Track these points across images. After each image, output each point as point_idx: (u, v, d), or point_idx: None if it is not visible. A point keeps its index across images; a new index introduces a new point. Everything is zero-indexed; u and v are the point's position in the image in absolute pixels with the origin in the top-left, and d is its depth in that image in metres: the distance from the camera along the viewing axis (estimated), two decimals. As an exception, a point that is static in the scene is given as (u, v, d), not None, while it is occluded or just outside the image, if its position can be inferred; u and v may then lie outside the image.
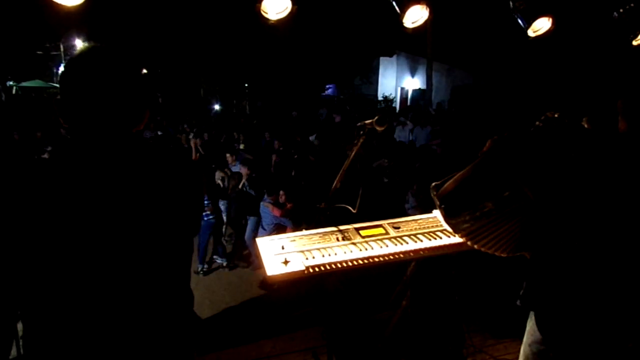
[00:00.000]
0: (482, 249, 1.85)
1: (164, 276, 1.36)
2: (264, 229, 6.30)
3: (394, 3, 3.74)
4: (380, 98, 21.93)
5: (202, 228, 6.53)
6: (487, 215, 1.71)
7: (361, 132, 2.49)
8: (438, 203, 1.84)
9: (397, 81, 22.88)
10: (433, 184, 1.90)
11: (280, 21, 3.37)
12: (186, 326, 1.47)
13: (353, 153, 2.52)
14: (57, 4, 3.04)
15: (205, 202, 6.41)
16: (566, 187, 1.64)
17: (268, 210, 6.27)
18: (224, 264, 6.87)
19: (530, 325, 1.89)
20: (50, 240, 1.17)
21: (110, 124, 1.27)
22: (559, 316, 1.72)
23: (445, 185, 1.82)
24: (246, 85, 22.61)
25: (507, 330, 3.46)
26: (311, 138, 10.81)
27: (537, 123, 2.13)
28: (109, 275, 1.23)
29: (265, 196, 6.44)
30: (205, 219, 6.46)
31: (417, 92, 21.94)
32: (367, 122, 2.48)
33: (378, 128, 2.42)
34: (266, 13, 3.27)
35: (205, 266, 6.74)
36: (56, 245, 1.17)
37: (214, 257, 6.96)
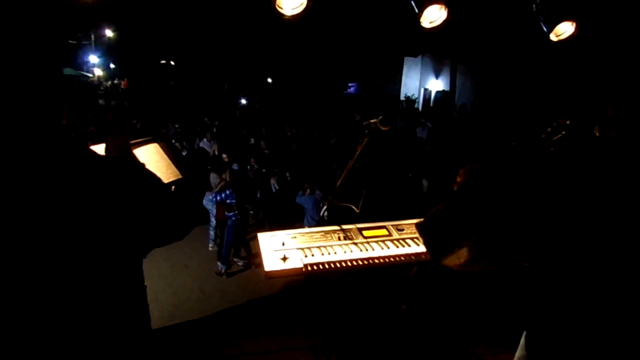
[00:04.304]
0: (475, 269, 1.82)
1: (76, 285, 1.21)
2: (314, 220, 6.34)
3: (412, 3, 3.70)
4: (402, 98, 21.74)
5: (227, 228, 6.51)
6: (473, 248, 1.67)
7: (366, 132, 2.47)
8: (423, 243, 1.82)
9: (421, 82, 22.64)
10: (416, 222, 1.86)
11: (295, 17, 3.36)
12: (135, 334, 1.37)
13: (358, 152, 2.50)
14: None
15: (233, 201, 6.39)
16: (561, 205, 1.59)
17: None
18: (240, 263, 6.82)
19: (523, 340, 1.85)
20: None
21: (15, 122, 1.16)
22: (549, 338, 1.67)
23: (427, 225, 1.78)
24: (269, 80, 22.75)
25: (511, 340, 3.39)
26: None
27: (548, 129, 2.08)
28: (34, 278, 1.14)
29: (318, 191, 6.49)
30: (233, 218, 6.45)
31: (441, 94, 21.69)
32: (372, 121, 2.45)
33: (382, 128, 2.39)
34: (281, 8, 3.27)
35: (225, 267, 6.57)
36: None
37: (235, 259, 6.83)
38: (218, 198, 6.41)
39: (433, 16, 3.67)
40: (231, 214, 6.40)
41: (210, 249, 7.28)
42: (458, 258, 1.68)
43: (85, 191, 1.18)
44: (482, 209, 1.63)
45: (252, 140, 10.58)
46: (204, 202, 7.10)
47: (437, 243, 1.73)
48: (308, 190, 6.63)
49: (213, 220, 7.16)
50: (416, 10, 3.67)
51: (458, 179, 1.78)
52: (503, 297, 3.74)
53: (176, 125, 12.19)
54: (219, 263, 6.62)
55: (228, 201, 6.36)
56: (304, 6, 3.30)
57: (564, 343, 1.62)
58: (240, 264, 6.81)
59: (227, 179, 6.48)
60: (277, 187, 8.37)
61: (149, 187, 1.34)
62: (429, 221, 1.80)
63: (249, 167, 8.48)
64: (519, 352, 1.85)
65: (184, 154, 8.50)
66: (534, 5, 3.99)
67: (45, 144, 1.18)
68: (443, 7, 3.60)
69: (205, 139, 9.93)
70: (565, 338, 1.62)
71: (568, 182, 1.61)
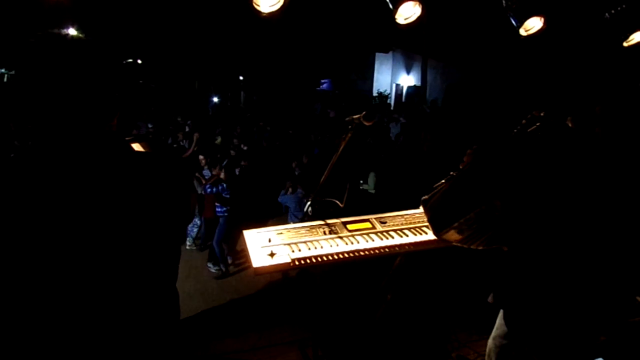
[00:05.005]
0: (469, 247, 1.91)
1: (142, 276, 1.30)
2: (297, 218, 6.33)
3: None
4: (375, 94, 21.92)
5: (219, 226, 6.30)
6: (471, 225, 1.77)
7: (349, 127, 2.51)
8: (427, 219, 1.92)
9: (393, 77, 22.87)
10: (422, 198, 1.97)
11: (272, 14, 3.36)
12: (171, 326, 1.44)
13: (341, 147, 2.54)
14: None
15: (227, 195, 6.26)
16: (538, 189, 1.68)
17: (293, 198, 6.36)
18: (230, 260, 6.70)
19: (498, 320, 1.95)
20: (25, 245, 1.13)
21: (78, 121, 1.19)
22: (527, 311, 1.76)
23: (431, 201, 1.89)
24: (241, 78, 22.51)
25: (490, 327, 3.51)
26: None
27: (523, 121, 2.17)
28: (85, 278, 1.19)
29: (300, 189, 6.47)
30: (226, 214, 6.28)
31: (412, 89, 21.99)
32: (355, 117, 2.49)
33: (366, 123, 2.44)
34: (258, 5, 3.26)
35: (223, 266, 6.32)
36: (31, 248, 1.13)
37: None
38: (214, 190, 6.24)
39: (408, 12, 3.74)
40: (224, 209, 6.28)
41: (187, 247, 7.18)
42: (457, 233, 1.79)
43: (132, 184, 1.25)
44: (481, 187, 1.72)
45: (219, 140, 10.42)
46: None
47: (439, 218, 1.85)
48: (290, 189, 6.63)
49: (195, 219, 7.06)
50: (391, 7, 3.73)
51: (465, 159, 1.89)
52: (481, 286, 3.86)
53: (149, 125, 11.94)
54: (210, 265, 6.45)
55: (224, 194, 6.25)
56: (281, 3, 3.31)
57: (541, 315, 1.71)
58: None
59: (221, 176, 6.35)
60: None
61: (183, 174, 1.42)
62: (432, 197, 1.91)
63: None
64: (496, 331, 1.94)
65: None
66: (503, 1, 4.11)
67: (98, 141, 1.23)
68: (417, 3, 3.67)
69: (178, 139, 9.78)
70: (541, 311, 1.71)
71: (547, 169, 1.71)
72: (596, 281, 1.64)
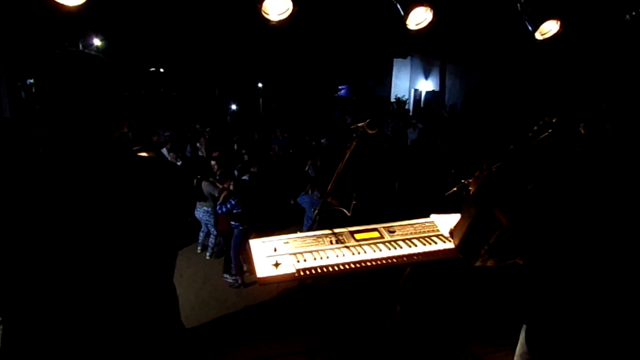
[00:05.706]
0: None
1: (141, 277, 1.37)
2: (311, 219, 6.31)
3: (397, 5, 3.72)
4: (393, 100, 21.81)
5: (235, 238, 6.23)
6: (500, 248, 1.75)
7: (354, 135, 2.47)
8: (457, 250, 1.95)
9: (411, 83, 22.72)
10: (450, 228, 2.03)
11: (281, 22, 3.37)
12: (169, 324, 1.49)
13: (347, 156, 2.50)
14: (62, 4, 3.11)
15: (239, 210, 6.16)
16: (550, 199, 1.62)
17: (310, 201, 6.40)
18: (245, 268, 6.70)
19: (522, 337, 1.86)
20: (32, 241, 1.20)
21: (90, 128, 1.30)
22: (549, 329, 1.68)
23: (454, 232, 1.90)
24: (260, 85, 22.71)
25: (507, 338, 3.40)
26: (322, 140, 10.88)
27: (535, 128, 2.11)
28: (88, 275, 1.26)
29: (316, 192, 6.49)
30: (240, 227, 6.19)
31: (431, 94, 21.81)
32: (359, 125, 2.46)
33: (369, 131, 2.40)
34: (267, 14, 3.28)
35: (240, 277, 6.22)
36: (37, 245, 1.21)
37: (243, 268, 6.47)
38: (224, 209, 6.13)
39: (419, 18, 3.70)
40: (237, 223, 6.16)
41: (207, 258, 7.21)
42: (487, 259, 1.76)
43: (135, 187, 1.33)
44: (491, 211, 1.68)
45: (235, 147, 10.49)
46: (196, 213, 6.93)
47: (464, 248, 1.83)
48: (310, 191, 6.61)
49: (211, 230, 7.07)
50: (402, 13, 3.70)
51: (471, 188, 1.88)
52: (497, 295, 3.76)
53: (166, 133, 12.10)
54: (226, 276, 6.41)
55: (235, 211, 6.14)
56: (290, 11, 3.32)
57: (564, 335, 1.63)
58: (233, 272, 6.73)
59: (231, 187, 6.24)
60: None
61: (184, 182, 1.49)
62: (454, 230, 1.90)
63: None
64: (521, 348, 1.86)
65: (178, 163, 8.33)
66: (518, 5, 4.03)
67: (107, 147, 1.34)
68: (428, 9, 3.63)
69: (198, 145, 9.89)
70: (564, 330, 1.63)
71: (559, 179, 1.64)
72: (620, 297, 1.55)
